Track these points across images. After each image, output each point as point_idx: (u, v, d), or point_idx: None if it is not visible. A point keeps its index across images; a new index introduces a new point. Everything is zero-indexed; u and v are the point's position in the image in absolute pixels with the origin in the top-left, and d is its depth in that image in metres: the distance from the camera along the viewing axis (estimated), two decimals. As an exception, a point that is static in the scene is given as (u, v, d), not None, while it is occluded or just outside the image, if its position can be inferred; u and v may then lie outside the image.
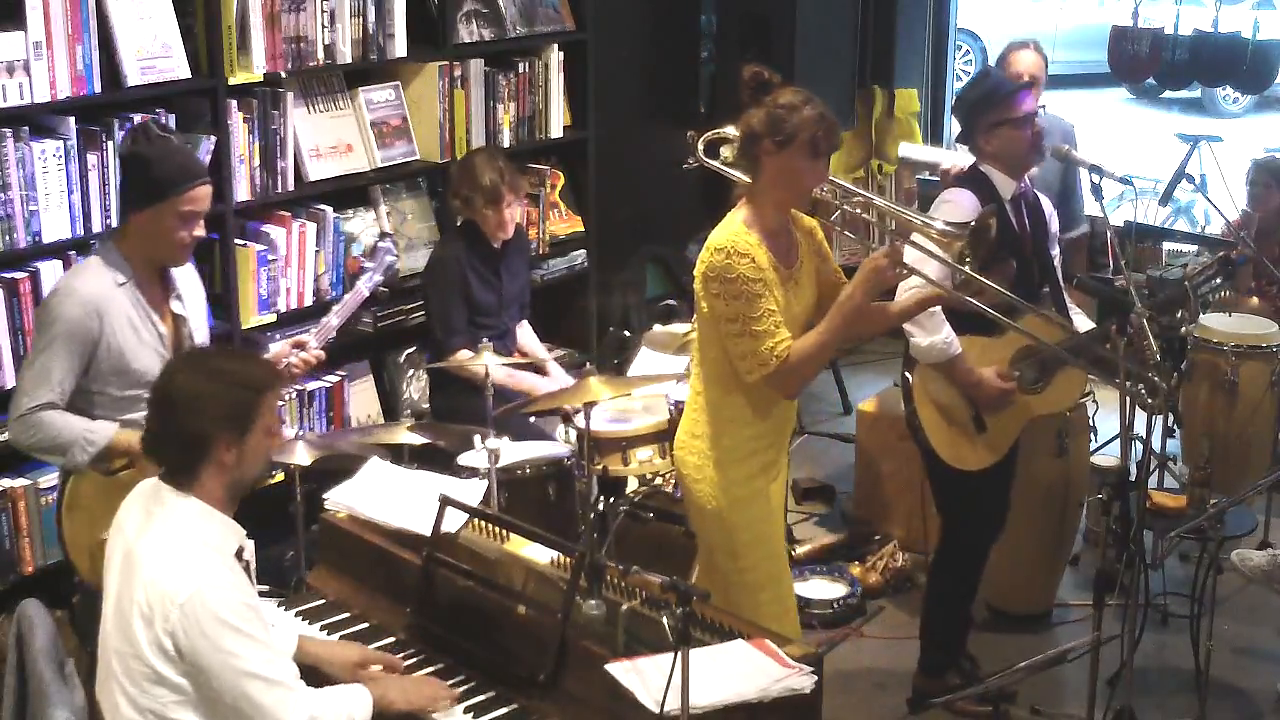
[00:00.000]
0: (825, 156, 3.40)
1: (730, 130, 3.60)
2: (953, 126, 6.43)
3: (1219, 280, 4.30)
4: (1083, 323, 4.38)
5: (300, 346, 3.87)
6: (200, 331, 3.80)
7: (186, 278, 3.78)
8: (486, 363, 4.54)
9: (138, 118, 4.33)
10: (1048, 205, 4.35)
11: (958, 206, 3.99)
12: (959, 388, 4.11)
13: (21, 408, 3.49)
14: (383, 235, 4.48)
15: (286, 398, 4.94)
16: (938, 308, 3.97)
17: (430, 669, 3.10)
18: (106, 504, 3.46)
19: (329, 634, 3.28)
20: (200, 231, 3.62)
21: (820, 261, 3.59)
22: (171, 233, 3.55)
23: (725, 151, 3.61)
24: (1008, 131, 4.14)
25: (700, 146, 3.67)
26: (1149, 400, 3.62)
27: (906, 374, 4.20)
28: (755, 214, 3.43)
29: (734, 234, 3.38)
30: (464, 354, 4.82)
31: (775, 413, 3.55)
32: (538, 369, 5.13)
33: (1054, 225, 4.37)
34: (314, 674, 3.01)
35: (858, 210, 3.53)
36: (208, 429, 2.77)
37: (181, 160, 3.61)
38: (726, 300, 3.36)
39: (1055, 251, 4.37)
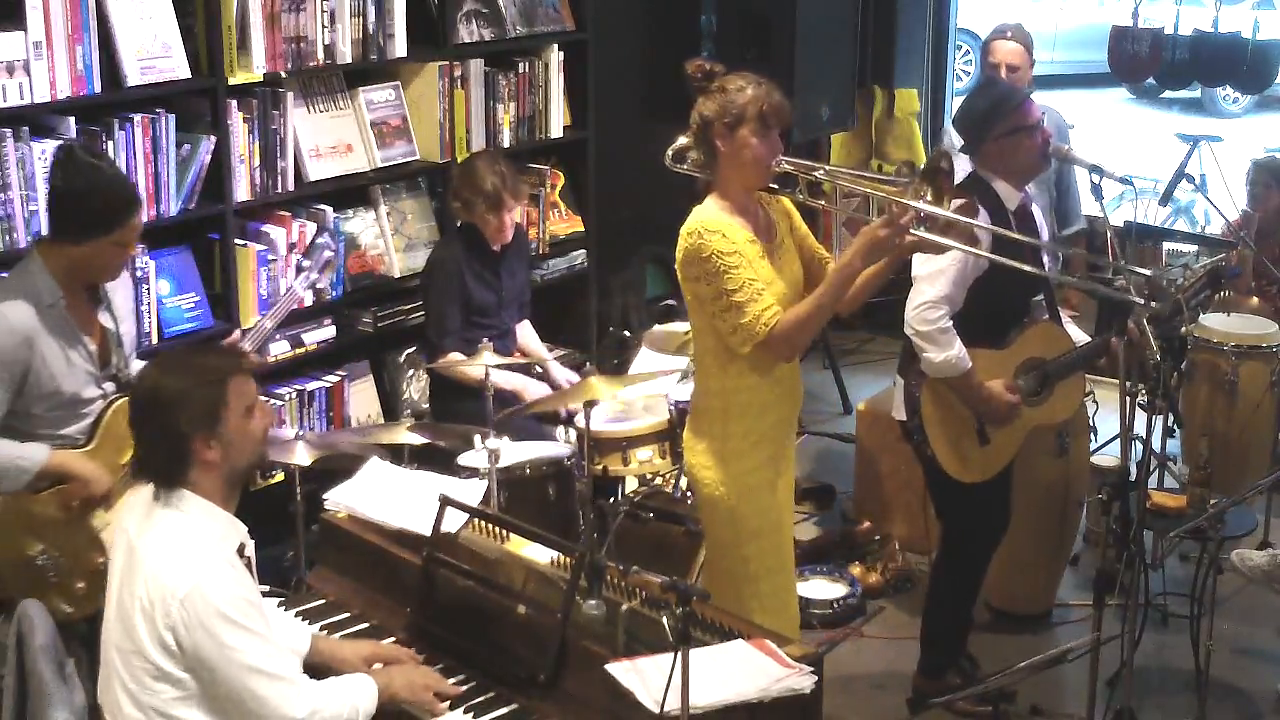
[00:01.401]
0: (775, 130, 3.48)
1: (684, 140, 3.68)
2: (948, 128, 6.42)
3: (1209, 292, 4.33)
4: (1075, 333, 4.39)
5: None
6: (129, 337, 3.78)
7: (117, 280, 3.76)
8: (485, 363, 4.54)
9: (138, 118, 4.34)
10: (1039, 214, 4.36)
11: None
12: (966, 403, 4.10)
13: None
14: (321, 231, 4.44)
15: (287, 397, 4.94)
16: (949, 324, 3.97)
17: (430, 669, 3.10)
18: (21, 521, 3.52)
19: (329, 634, 3.28)
20: (134, 251, 3.62)
21: (800, 237, 3.66)
22: (110, 260, 3.54)
23: (693, 155, 3.66)
24: (1021, 140, 4.13)
25: (669, 156, 3.75)
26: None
27: (912, 386, 4.17)
28: (719, 197, 3.52)
29: (702, 216, 3.49)
30: (455, 355, 4.82)
31: (780, 397, 3.59)
32: (540, 368, 5.13)
33: (1044, 234, 4.38)
34: (326, 671, 3.02)
35: (816, 177, 3.59)
36: (182, 431, 2.77)
37: (117, 191, 3.53)
38: (706, 280, 3.44)
39: (1046, 261, 4.37)
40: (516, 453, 4.49)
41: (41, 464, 3.48)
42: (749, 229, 3.50)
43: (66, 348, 3.55)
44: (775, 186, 3.56)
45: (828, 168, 3.63)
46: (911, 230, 3.33)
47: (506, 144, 5.55)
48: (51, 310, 3.51)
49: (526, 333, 5.22)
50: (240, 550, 2.88)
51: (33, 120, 4.16)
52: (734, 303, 3.42)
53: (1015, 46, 5.27)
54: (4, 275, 3.65)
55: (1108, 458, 5.29)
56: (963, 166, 4.47)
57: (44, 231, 3.97)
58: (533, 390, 4.87)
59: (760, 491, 3.59)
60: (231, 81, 4.58)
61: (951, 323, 4.00)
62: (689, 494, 4.60)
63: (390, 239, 5.27)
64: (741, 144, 3.46)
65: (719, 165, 3.51)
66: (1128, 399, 3.75)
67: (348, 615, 3.37)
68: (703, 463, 3.59)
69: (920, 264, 3.97)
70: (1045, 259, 4.37)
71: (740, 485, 3.56)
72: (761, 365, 3.51)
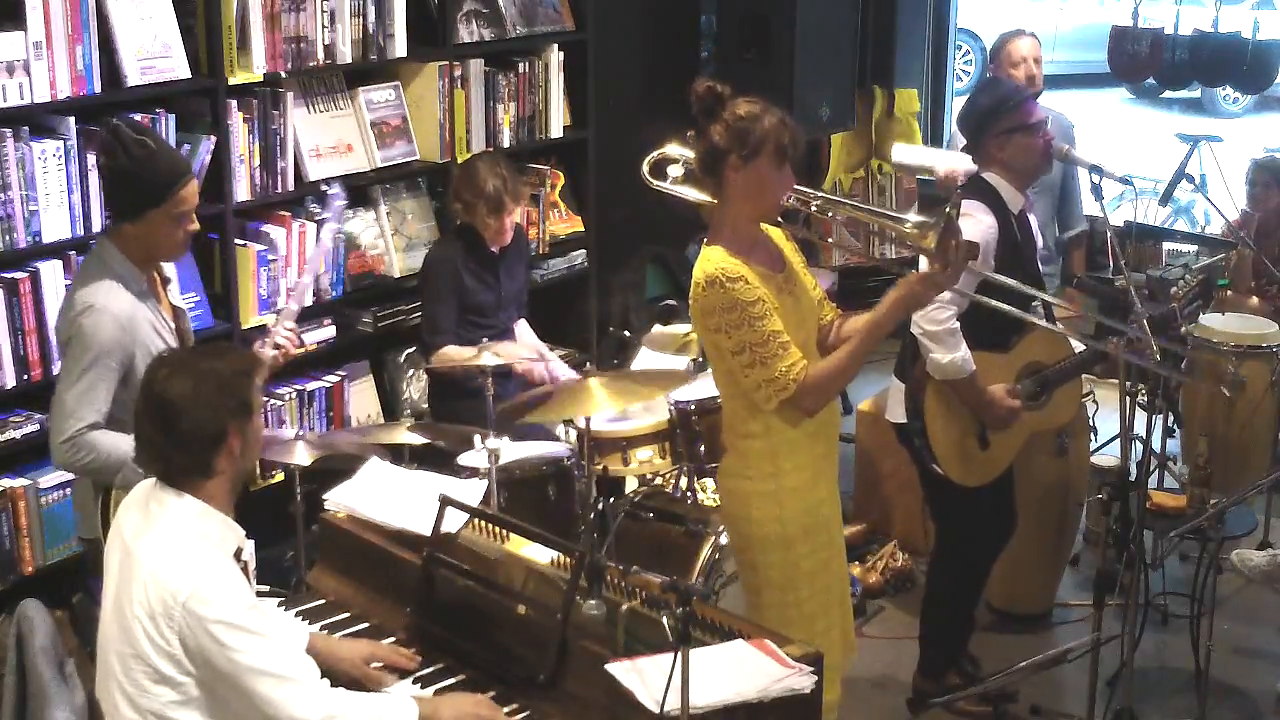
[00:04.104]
0: (790, 162, 3.33)
1: (673, 149, 3.52)
2: (953, 128, 6.43)
3: (1201, 301, 4.34)
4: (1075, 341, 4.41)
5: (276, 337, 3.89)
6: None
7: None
8: (485, 363, 4.54)
9: (138, 118, 4.33)
10: (1034, 220, 4.37)
11: (973, 220, 3.95)
12: (968, 406, 4.09)
13: (68, 430, 3.45)
14: (328, 181, 4.50)
15: (287, 397, 4.94)
16: (956, 325, 3.96)
17: (430, 668, 3.10)
18: None
19: (329, 634, 3.28)
20: (195, 225, 3.63)
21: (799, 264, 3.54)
22: (170, 234, 3.55)
23: (673, 170, 3.52)
24: (1022, 139, 4.12)
25: (645, 169, 3.58)
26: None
27: (914, 388, 4.15)
28: (730, 234, 3.35)
29: (718, 263, 3.30)
30: (449, 349, 4.81)
31: (823, 422, 3.46)
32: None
33: (1040, 240, 4.39)
34: (327, 674, 2.99)
35: (828, 215, 3.50)
36: (222, 422, 2.77)
37: (166, 162, 3.54)
38: (729, 332, 3.29)
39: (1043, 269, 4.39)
40: (516, 453, 4.49)
41: None
42: (764, 265, 3.35)
43: (160, 331, 3.59)
44: (780, 220, 3.43)
45: (840, 200, 3.53)
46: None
47: (506, 144, 5.55)
48: (140, 297, 3.55)
49: (524, 331, 5.22)
50: (237, 554, 2.87)
51: (33, 120, 4.16)
52: (759, 357, 3.27)
53: (1033, 41, 5.28)
54: (84, 265, 3.64)
55: (1108, 458, 5.29)
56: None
57: (39, 228, 4.01)
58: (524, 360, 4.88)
59: (818, 530, 3.47)
60: (231, 81, 4.58)
61: (958, 324, 3.99)
62: (689, 494, 4.60)
63: (390, 239, 5.27)
64: (757, 176, 3.28)
65: (729, 197, 3.34)
66: (1128, 399, 3.76)
67: (348, 615, 3.37)
68: (757, 506, 3.42)
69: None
70: (1041, 267, 4.39)
71: (800, 525, 3.42)
72: (790, 415, 3.38)
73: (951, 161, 4.79)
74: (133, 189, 3.50)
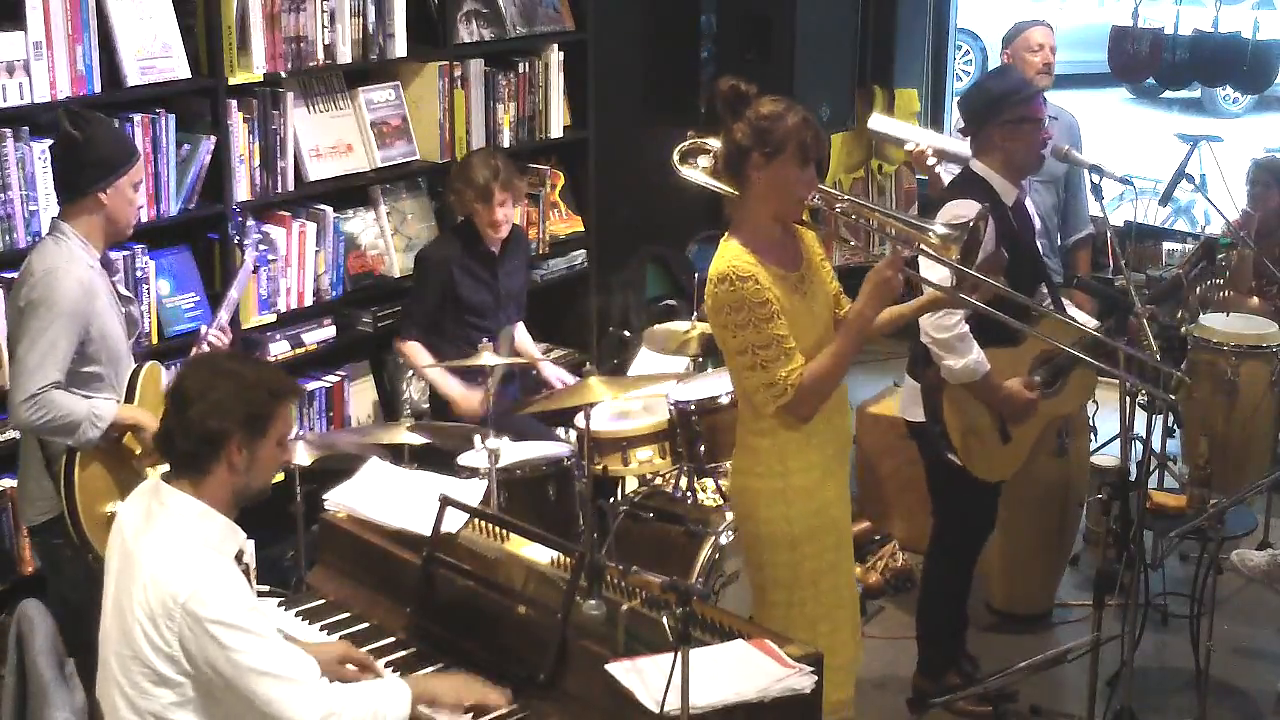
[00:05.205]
0: (813, 162, 3.34)
1: (711, 141, 3.51)
2: (953, 125, 6.42)
3: (1206, 263, 4.30)
4: (1083, 319, 4.38)
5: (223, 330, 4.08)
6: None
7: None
8: (485, 363, 4.53)
9: (138, 118, 4.34)
10: (1033, 208, 4.35)
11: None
12: (986, 403, 4.07)
13: (30, 388, 3.50)
14: (246, 215, 4.61)
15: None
16: (965, 329, 3.95)
17: (430, 669, 3.10)
18: (117, 473, 3.64)
19: (329, 634, 3.27)
20: (143, 199, 3.78)
21: (822, 262, 3.54)
22: (131, 203, 3.68)
23: (704, 161, 3.52)
24: (1024, 131, 4.10)
25: (676, 158, 3.57)
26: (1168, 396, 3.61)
27: (931, 390, 4.12)
28: (750, 232, 3.37)
29: (732, 260, 3.32)
30: (411, 346, 4.82)
31: (830, 420, 3.46)
32: (533, 369, 5.13)
33: (1037, 224, 4.37)
34: None
35: (853, 217, 3.50)
36: (225, 427, 2.76)
37: (118, 130, 3.83)
38: (735, 331, 3.31)
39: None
40: (516, 453, 4.49)
41: (114, 415, 3.59)
42: (779, 264, 3.36)
43: (113, 304, 3.69)
44: (806, 220, 3.43)
45: (866, 204, 3.53)
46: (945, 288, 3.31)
47: (506, 144, 5.55)
48: (93, 270, 3.63)
49: (520, 334, 5.21)
50: (238, 557, 2.86)
51: (33, 120, 4.16)
52: (761, 360, 3.29)
53: (1049, 31, 5.30)
54: (40, 244, 3.69)
55: (1108, 458, 5.29)
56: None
57: (39, 228, 4.09)
58: (462, 396, 4.79)
59: (826, 531, 3.47)
60: (231, 81, 4.58)
61: (967, 327, 3.97)
62: (689, 494, 4.60)
63: (390, 239, 5.27)
64: (778, 176, 3.30)
65: (750, 196, 3.36)
66: (1128, 399, 3.76)
67: (348, 615, 3.37)
68: (764, 505, 3.43)
69: (928, 268, 3.94)
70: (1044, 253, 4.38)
71: (808, 525, 3.42)
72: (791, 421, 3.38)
73: (926, 139, 4.77)
74: (103, 155, 3.61)
